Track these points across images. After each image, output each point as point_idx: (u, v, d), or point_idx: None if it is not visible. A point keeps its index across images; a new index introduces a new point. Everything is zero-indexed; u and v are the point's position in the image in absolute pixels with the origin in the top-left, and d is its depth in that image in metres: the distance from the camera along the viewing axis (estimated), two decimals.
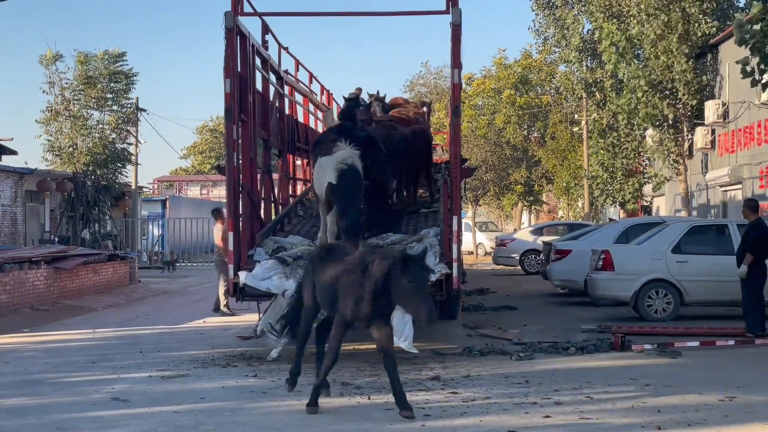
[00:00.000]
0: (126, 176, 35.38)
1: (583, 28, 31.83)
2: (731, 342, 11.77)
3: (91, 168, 31.40)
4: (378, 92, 17.34)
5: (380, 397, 8.58)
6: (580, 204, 43.71)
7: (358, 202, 11.70)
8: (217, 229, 16.75)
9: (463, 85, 41.79)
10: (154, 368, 10.51)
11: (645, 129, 28.07)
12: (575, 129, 41.31)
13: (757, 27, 14.35)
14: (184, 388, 9.33)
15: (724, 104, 25.47)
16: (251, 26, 13.21)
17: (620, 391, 8.78)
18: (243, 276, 11.25)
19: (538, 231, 30.24)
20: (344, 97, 15.80)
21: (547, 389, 8.90)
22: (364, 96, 17.05)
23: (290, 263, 11.51)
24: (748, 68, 14.78)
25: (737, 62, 15.46)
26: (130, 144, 35.46)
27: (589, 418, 7.63)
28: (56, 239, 27.83)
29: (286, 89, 16.89)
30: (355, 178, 11.58)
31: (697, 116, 26.42)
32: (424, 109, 19.16)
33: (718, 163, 26.40)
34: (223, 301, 16.56)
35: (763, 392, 7.64)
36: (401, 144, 14.56)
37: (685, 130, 26.82)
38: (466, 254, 33.20)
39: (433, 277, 10.39)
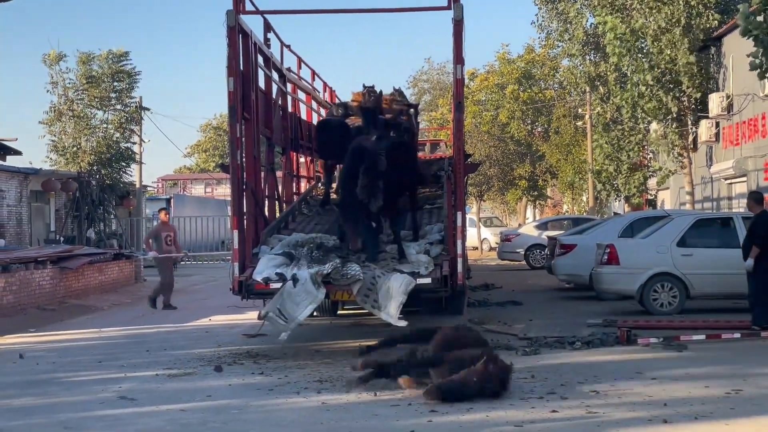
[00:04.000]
0: (130, 175, 35.46)
1: (587, 22, 31.76)
2: (737, 335, 11.75)
3: (95, 167, 31.45)
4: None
5: (387, 393, 8.58)
6: (584, 198, 43.71)
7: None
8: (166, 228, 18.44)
9: (466, 81, 41.72)
10: (160, 367, 10.53)
11: (649, 122, 28.01)
12: (579, 123, 41.26)
13: (760, 18, 14.31)
14: (190, 386, 9.34)
15: (728, 97, 25.41)
16: (253, 24, 13.23)
17: (626, 384, 8.77)
18: (253, 272, 11.25)
19: (542, 226, 30.24)
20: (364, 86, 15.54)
21: (553, 384, 8.90)
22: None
23: (297, 256, 11.52)
24: (757, 61, 14.73)
25: (748, 55, 15.39)
26: (134, 143, 35.49)
27: (595, 413, 7.63)
28: (61, 239, 27.87)
29: (289, 87, 16.87)
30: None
31: (701, 109, 26.36)
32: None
33: (722, 156, 26.33)
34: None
35: None
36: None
37: (689, 123, 26.77)
38: (470, 250, 33.21)
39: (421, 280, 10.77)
